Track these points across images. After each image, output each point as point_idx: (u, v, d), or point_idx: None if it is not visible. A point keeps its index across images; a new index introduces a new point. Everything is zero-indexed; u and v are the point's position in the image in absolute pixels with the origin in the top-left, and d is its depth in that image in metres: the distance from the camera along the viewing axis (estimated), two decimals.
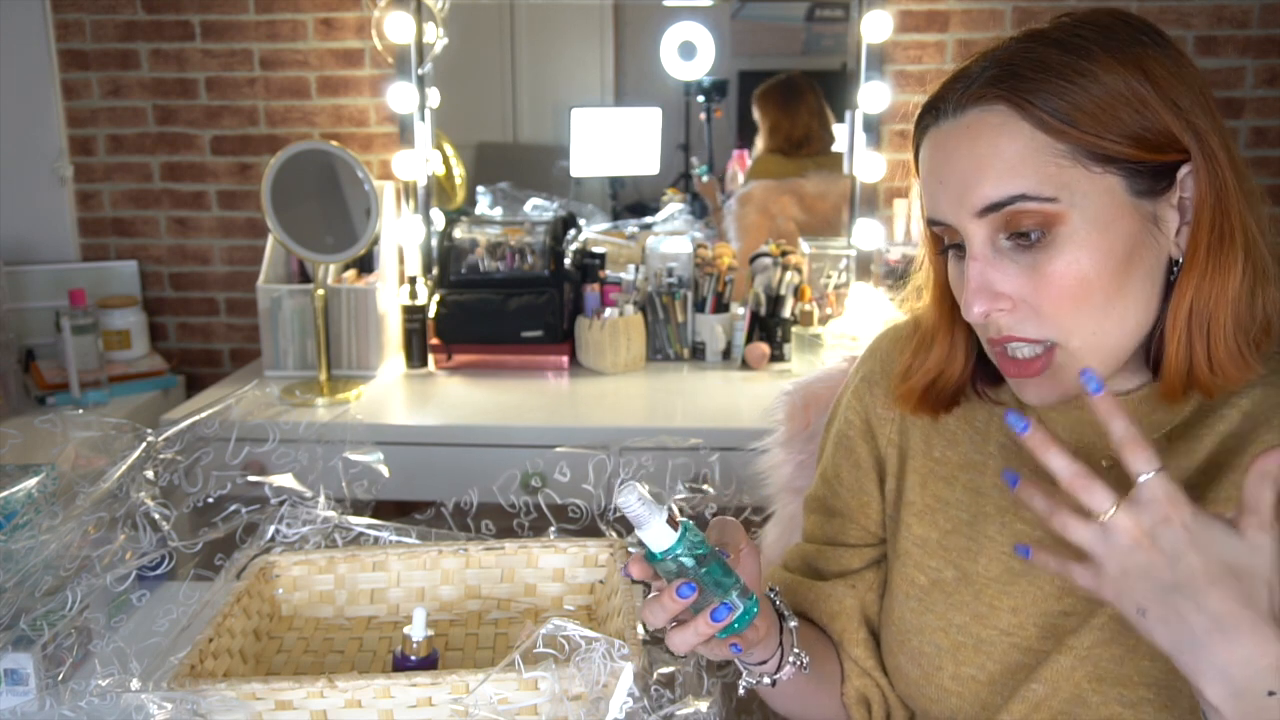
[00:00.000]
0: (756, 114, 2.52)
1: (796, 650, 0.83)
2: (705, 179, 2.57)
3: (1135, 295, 0.71)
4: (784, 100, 2.49)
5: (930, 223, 0.76)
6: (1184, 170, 0.71)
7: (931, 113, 0.75)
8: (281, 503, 1.06)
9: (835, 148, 2.44)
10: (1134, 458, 0.62)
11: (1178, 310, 0.71)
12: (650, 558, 0.70)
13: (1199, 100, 0.70)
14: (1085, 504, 0.63)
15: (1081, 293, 0.70)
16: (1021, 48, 0.71)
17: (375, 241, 2.14)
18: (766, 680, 0.83)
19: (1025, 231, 0.70)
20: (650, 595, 0.72)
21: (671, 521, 0.69)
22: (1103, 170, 0.69)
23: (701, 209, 2.60)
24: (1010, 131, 0.69)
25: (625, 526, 1.06)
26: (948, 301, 0.82)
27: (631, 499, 0.67)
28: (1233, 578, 0.60)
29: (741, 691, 0.85)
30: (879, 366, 0.93)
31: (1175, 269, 0.73)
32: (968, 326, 0.82)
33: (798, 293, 2.19)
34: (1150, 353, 0.76)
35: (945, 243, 0.77)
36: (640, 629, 0.86)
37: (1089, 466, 0.64)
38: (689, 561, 0.69)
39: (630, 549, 1.01)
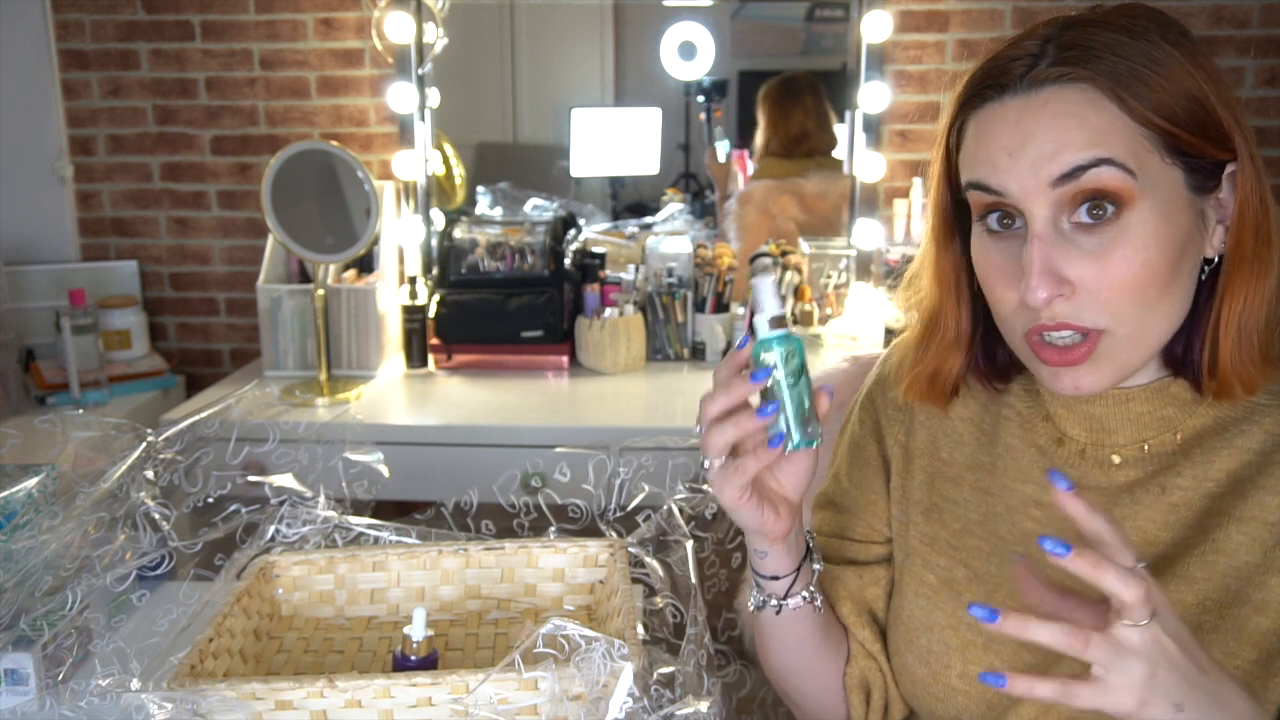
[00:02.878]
0: (758, 113, 2.51)
1: (813, 589, 0.83)
2: (722, 159, 2.54)
3: (1180, 291, 0.72)
4: (780, 99, 2.49)
5: (977, 187, 0.73)
6: (1229, 169, 0.71)
7: (994, 88, 0.72)
8: (281, 503, 1.06)
9: (837, 151, 2.44)
10: (1124, 557, 0.61)
11: (1231, 310, 0.72)
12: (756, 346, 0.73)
13: (1237, 101, 0.71)
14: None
15: (1143, 282, 0.69)
16: (1085, 32, 0.70)
17: (375, 241, 2.14)
18: (773, 603, 0.83)
19: (1098, 203, 0.68)
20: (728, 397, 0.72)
21: (781, 323, 0.72)
22: (1172, 162, 0.69)
23: (702, 209, 2.59)
24: (1096, 107, 0.68)
25: (625, 527, 1.06)
26: (952, 288, 0.82)
27: (766, 281, 0.70)
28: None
29: (751, 607, 0.85)
30: (891, 371, 0.94)
31: (1206, 269, 0.74)
32: (970, 312, 0.82)
33: (798, 293, 2.19)
34: (1176, 349, 0.76)
35: (982, 212, 0.74)
36: (640, 629, 0.86)
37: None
38: (780, 368, 0.72)
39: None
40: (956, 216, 0.80)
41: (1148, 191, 0.68)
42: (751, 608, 0.85)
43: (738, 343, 0.74)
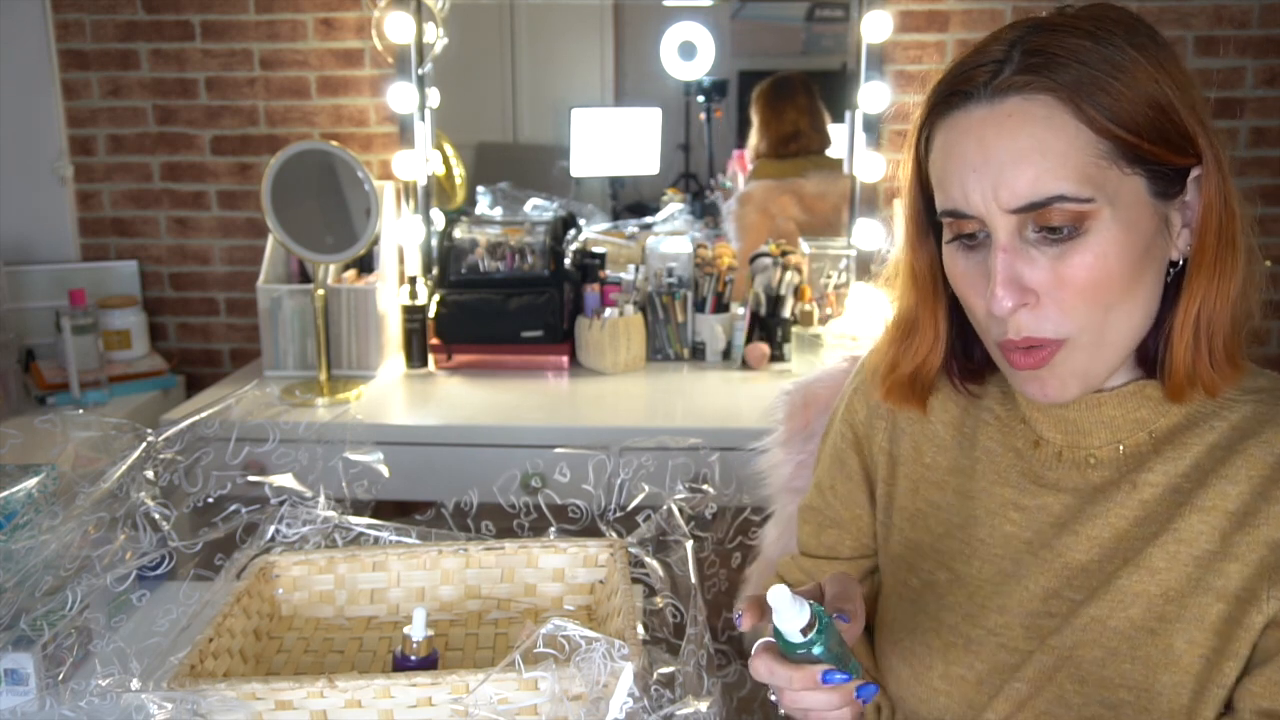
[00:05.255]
0: (752, 114, 2.52)
1: None
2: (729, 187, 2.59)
3: (1142, 294, 0.72)
4: (773, 99, 2.49)
5: (950, 215, 0.74)
6: (1194, 173, 0.72)
7: (958, 95, 0.72)
8: (281, 503, 1.06)
9: (833, 150, 2.43)
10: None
11: (1188, 312, 0.72)
12: (785, 646, 0.71)
13: (1203, 103, 0.71)
14: None
15: (1102, 288, 0.70)
16: (1050, 37, 0.70)
17: (375, 241, 2.14)
18: None
19: (1056, 226, 0.69)
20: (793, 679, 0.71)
21: (809, 625, 0.69)
22: (1132, 171, 0.69)
23: (702, 209, 2.60)
24: (1057, 126, 0.68)
25: (625, 527, 1.06)
26: (929, 288, 0.82)
27: (785, 601, 0.68)
28: None
29: (773, 697, 0.85)
30: (870, 378, 0.94)
31: (1171, 270, 0.74)
32: (947, 311, 0.83)
33: (798, 293, 2.19)
34: (1149, 351, 0.77)
35: (954, 234, 0.75)
36: (640, 629, 0.86)
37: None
38: (819, 650, 0.70)
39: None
40: (929, 217, 0.80)
41: (1107, 204, 0.69)
42: (774, 696, 0.85)
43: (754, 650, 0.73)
